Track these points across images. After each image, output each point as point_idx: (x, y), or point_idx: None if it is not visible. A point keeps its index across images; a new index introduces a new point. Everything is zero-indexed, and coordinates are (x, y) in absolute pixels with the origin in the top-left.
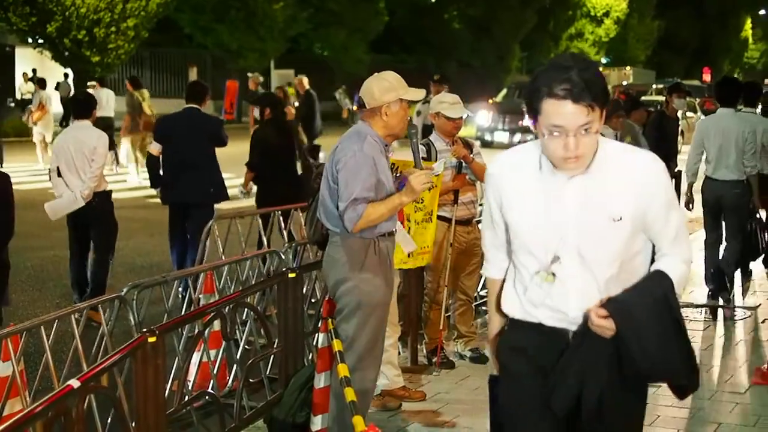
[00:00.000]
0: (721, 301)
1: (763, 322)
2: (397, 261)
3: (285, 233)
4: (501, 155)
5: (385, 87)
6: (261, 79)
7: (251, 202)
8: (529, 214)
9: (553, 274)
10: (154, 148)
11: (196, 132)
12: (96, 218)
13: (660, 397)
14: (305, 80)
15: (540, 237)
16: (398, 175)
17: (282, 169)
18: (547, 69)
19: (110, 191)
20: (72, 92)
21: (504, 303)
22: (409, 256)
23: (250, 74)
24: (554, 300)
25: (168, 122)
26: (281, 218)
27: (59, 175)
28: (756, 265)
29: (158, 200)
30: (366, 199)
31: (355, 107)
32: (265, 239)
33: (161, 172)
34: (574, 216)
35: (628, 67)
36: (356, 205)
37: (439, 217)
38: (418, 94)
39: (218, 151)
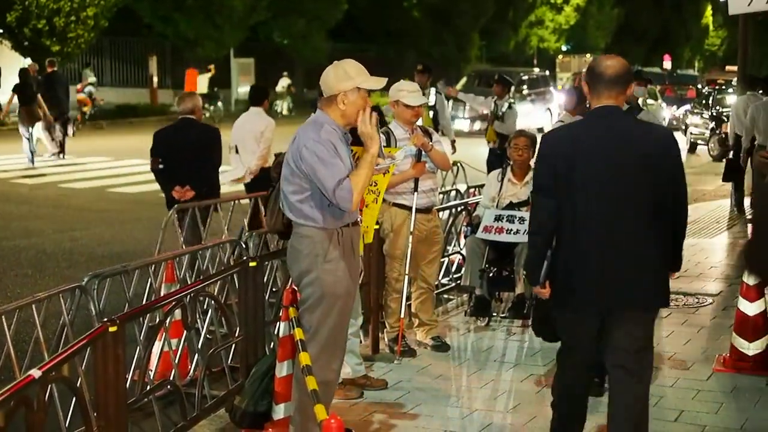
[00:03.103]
0: None
1: (724, 309)
2: None
3: (247, 222)
4: None
5: (341, 76)
6: (37, 66)
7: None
8: None
9: None
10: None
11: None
12: (260, 189)
13: None
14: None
15: None
16: (357, 161)
17: None
18: None
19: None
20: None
21: None
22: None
23: (29, 63)
24: None
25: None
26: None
27: (237, 152)
28: (715, 253)
29: (118, 191)
30: (344, 176)
31: None
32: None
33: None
34: None
35: (588, 55)
36: (341, 184)
37: (400, 205)
38: (379, 82)
39: None
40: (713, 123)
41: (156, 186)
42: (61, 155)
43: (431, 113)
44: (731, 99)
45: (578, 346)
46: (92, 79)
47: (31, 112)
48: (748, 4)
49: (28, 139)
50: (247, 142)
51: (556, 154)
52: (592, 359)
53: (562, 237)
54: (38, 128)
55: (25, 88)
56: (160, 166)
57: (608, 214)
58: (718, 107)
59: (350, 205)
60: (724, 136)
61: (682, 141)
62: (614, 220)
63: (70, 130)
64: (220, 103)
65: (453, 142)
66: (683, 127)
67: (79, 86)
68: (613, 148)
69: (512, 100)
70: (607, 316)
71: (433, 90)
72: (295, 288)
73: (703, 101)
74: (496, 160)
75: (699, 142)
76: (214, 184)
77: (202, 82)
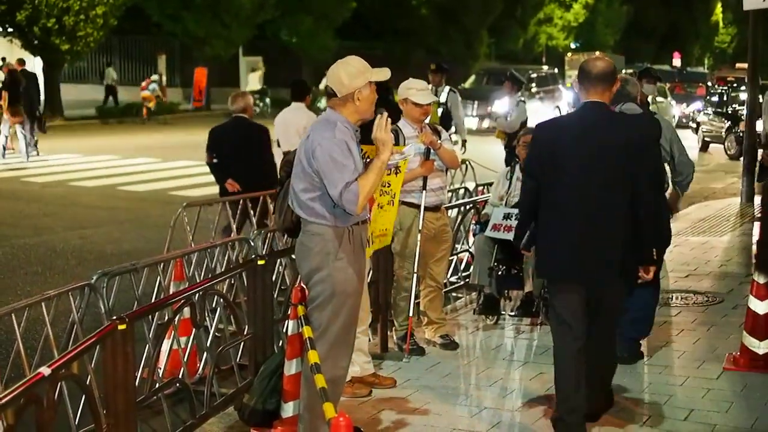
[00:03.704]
0: None
1: (734, 307)
2: None
3: (254, 220)
4: None
5: (353, 73)
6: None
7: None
8: None
9: None
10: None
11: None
12: None
13: (632, 383)
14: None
15: None
16: (367, 161)
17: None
18: None
19: None
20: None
21: None
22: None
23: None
24: None
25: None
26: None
27: (279, 145)
28: (725, 251)
29: (127, 189)
30: (353, 179)
31: None
32: (234, 226)
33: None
34: None
35: (597, 52)
36: (349, 187)
37: (408, 204)
38: (384, 74)
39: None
40: (729, 122)
41: (165, 184)
42: (35, 152)
43: (440, 111)
44: (745, 96)
45: (569, 322)
46: (155, 77)
47: (17, 111)
48: (764, 0)
49: (6, 136)
50: (291, 137)
51: (543, 140)
52: (582, 337)
53: (549, 214)
54: (18, 127)
55: (14, 87)
56: (214, 161)
57: (586, 194)
58: (734, 105)
59: (355, 208)
60: (741, 134)
61: (693, 139)
62: (591, 200)
63: (34, 130)
64: (268, 99)
65: (464, 142)
66: (693, 126)
67: (143, 84)
68: (592, 137)
69: (522, 99)
70: (590, 287)
71: (446, 89)
72: (304, 286)
73: (715, 99)
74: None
75: (711, 140)
76: (273, 177)
77: (253, 79)
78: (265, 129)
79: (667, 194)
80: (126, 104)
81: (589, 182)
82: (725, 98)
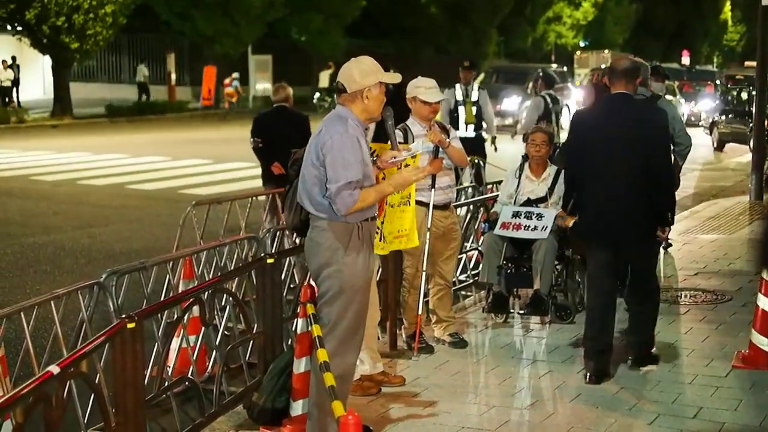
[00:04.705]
0: None
1: (743, 305)
2: (376, 247)
3: (265, 218)
4: None
5: (365, 71)
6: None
7: (229, 188)
8: None
9: None
10: None
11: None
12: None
13: (641, 381)
14: None
15: None
16: (375, 158)
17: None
18: None
19: None
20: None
21: None
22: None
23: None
24: None
25: None
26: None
27: None
28: (734, 250)
29: (136, 187)
30: (359, 183)
31: None
32: (243, 225)
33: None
34: None
35: (606, 51)
36: (351, 189)
37: (417, 202)
38: (395, 77)
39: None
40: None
41: (174, 183)
42: None
43: (474, 109)
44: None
45: (596, 276)
46: (236, 75)
47: None
48: None
49: None
50: None
51: (579, 125)
52: (606, 292)
53: (585, 187)
54: None
55: None
56: (260, 146)
57: (611, 170)
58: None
59: (345, 210)
60: None
61: (707, 139)
62: (615, 175)
63: None
64: (335, 96)
65: (494, 139)
66: (704, 125)
67: (226, 81)
68: (616, 122)
69: (543, 95)
70: (618, 247)
71: (476, 86)
72: (313, 283)
73: (730, 98)
74: None
75: (731, 140)
76: None
77: (323, 78)
78: (305, 117)
79: None
80: (134, 103)
81: (613, 159)
82: (744, 97)
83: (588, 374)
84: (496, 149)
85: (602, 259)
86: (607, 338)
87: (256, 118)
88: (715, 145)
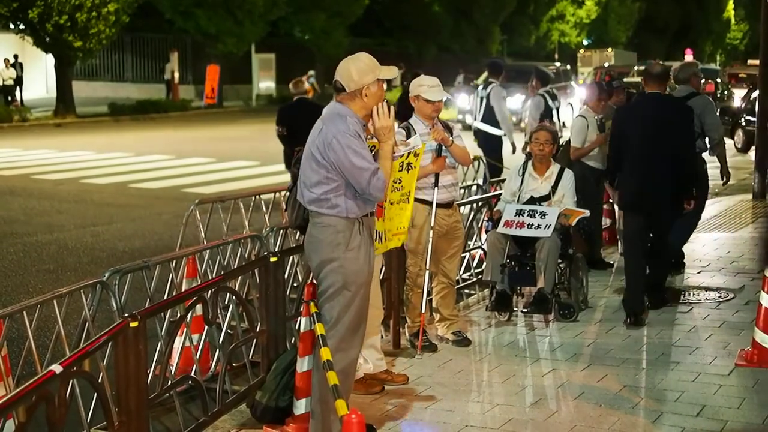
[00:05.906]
0: None
1: (746, 303)
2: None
3: (267, 217)
4: None
5: (363, 69)
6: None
7: (233, 186)
8: None
9: None
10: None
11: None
12: None
13: (643, 379)
14: None
15: None
16: (375, 156)
17: None
18: None
19: None
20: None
21: None
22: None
23: None
24: None
25: None
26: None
27: None
28: (737, 248)
29: (139, 186)
30: (375, 167)
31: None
32: (246, 223)
33: None
34: None
35: (609, 49)
36: (377, 174)
37: (420, 201)
38: (392, 71)
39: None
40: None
41: (177, 181)
42: None
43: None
44: None
45: (632, 238)
46: (312, 72)
47: None
48: None
49: None
50: None
51: (620, 117)
52: (638, 253)
53: (626, 166)
54: None
55: None
56: (284, 134)
57: (647, 154)
58: None
59: (381, 195)
60: None
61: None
62: (650, 158)
63: None
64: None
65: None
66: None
67: (303, 78)
68: (650, 114)
69: (542, 92)
70: (650, 215)
71: (490, 85)
72: (315, 280)
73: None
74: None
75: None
76: None
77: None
78: (322, 108)
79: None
80: (136, 101)
81: (647, 143)
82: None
83: (628, 319)
84: (514, 150)
85: (636, 224)
86: (642, 288)
87: (280, 108)
88: (741, 145)
